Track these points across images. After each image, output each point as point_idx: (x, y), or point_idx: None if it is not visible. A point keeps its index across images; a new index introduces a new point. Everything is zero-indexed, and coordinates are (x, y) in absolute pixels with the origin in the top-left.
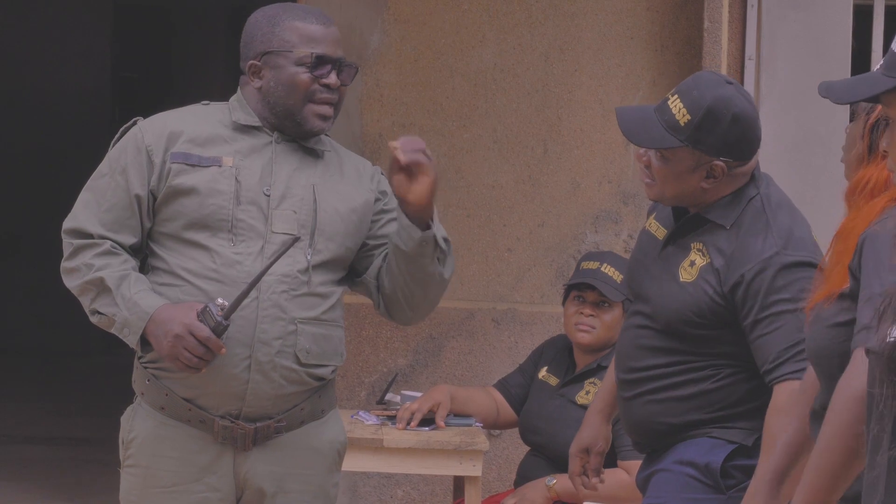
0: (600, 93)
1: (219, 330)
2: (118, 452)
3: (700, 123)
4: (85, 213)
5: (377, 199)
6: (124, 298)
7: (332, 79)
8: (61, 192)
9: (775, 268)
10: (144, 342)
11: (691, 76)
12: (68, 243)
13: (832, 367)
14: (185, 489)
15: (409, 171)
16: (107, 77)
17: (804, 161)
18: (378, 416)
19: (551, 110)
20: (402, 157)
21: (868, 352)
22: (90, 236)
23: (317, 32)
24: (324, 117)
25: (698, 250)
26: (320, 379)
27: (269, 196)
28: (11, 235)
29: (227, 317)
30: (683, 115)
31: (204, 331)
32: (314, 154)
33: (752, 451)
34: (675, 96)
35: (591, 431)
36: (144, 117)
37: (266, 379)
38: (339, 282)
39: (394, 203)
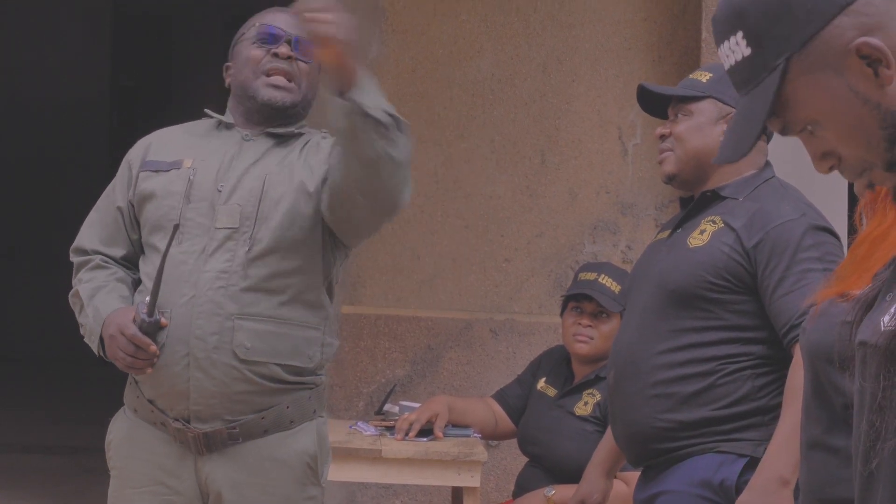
0: (598, 103)
1: (144, 327)
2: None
3: (722, 77)
4: (87, 231)
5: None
6: (93, 308)
7: (283, 49)
8: (60, 201)
9: (804, 227)
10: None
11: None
12: (73, 262)
13: (822, 363)
14: (152, 490)
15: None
16: (105, 86)
17: (802, 172)
18: (376, 426)
19: (549, 121)
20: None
21: (860, 344)
22: (86, 252)
23: (272, 16)
24: (276, 86)
25: (709, 221)
26: (274, 380)
27: (221, 192)
28: (9, 244)
29: (150, 314)
30: (705, 75)
31: (129, 328)
32: (289, 147)
33: None
34: (698, 71)
35: (588, 485)
36: (144, 127)
37: (206, 376)
38: (297, 274)
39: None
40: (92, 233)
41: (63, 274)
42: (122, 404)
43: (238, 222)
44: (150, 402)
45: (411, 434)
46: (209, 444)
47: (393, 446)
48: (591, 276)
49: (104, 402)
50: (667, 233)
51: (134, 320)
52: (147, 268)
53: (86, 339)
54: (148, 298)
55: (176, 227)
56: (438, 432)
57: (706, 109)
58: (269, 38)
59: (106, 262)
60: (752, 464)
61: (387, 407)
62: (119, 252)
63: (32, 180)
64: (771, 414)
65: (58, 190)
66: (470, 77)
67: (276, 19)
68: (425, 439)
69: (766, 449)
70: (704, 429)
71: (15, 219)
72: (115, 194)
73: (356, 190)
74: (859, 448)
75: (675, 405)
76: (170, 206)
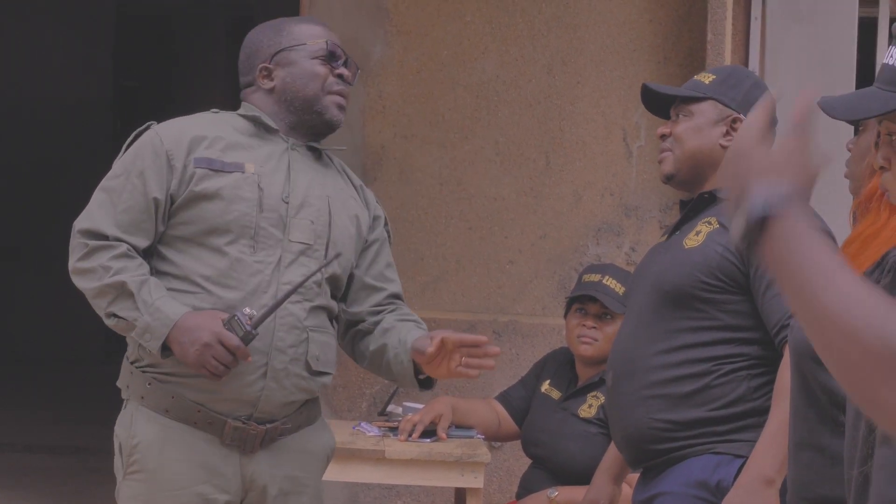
0: (603, 105)
1: (247, 339)
2: (112, 461)
3: (724, 80)
4: (100, 213)
5: (373, 222)
6: (146, 303)
7: (346, 71)
8: (62, 202)
9: None
10: (163, 347)
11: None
12: (82, 244)
13: (809, 361)
14: (193, 491)
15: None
16: (108, 87)
17: None
18: (380, 427)
19: (553, 122)
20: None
21: None
22: (105, 237)
23: (322, 32)
24: (341, 107)
25: (705, 222)
26: (322, 387)
27: (287, 203)
28: (12, 245)
29: (255, 326)
30: (708, 77)
31: (233, 340)
32: (324, 162)
33: None
34: (702, 73)
35: (595, 490)
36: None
37: (279, 386)
38: (336, 297)
39: (381, 233)
40: (106, 216)
41: (66, 274)
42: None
43: (312, 239)
44: (196, 402)
45: (414, 435)
46: (264, 441)
47: (396, 447)
48: (595, 277)
49: (106, 401)
50: (667, 236)
51: (227, 329)
52: (205, 270)
53: (131, 334)
54: (248, 310)
55: (338, 255)
56: (442, 433)
57: (707, 111)
58: (333, 57)
59: (131, 251)
60: None
61: (390, 408)
62: (143, 243)
63: (35, 181)
64: (767, 415)
65: (60, 190)
66: (474, 78)
67: (327, 35)
68: (428, 440)
69: None
70: (700, 429)
71: (17, 219)
72: (144, 183)
73: (370, 369)
74: (855, 452)
75: (671, 405)
76: (241, 212)
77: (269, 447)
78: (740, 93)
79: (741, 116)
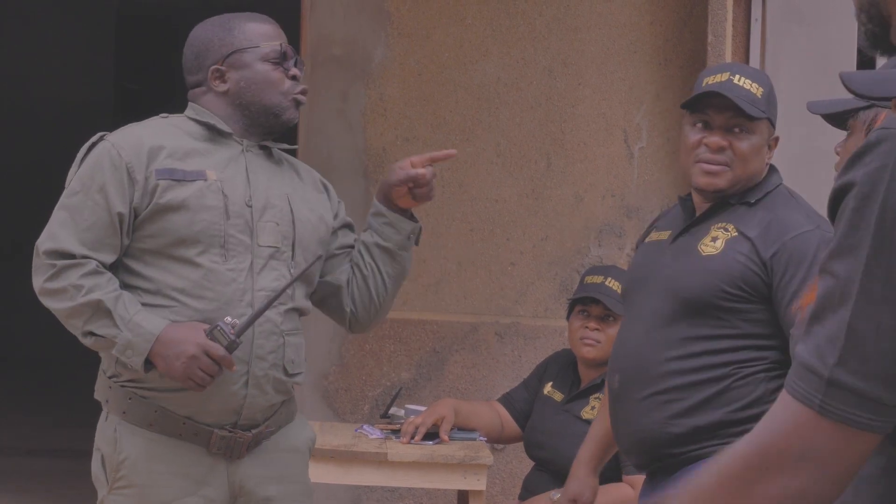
0: (604, 107)
1: (232, 348)
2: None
3: (769, 95)
4: (63, 232)
5: (336, 213)
6: (123, 319)
7: (298, 71)
8: None
9: (818, 239)
10: (146, 362)
11: (729, 64)
12: (49, 264)
13: None
14: (182, 503)
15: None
16: (109, 88)
17: (807, 176)
18: (382, 429)
19: (554, 124)
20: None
21: None
22: (72, 256)
23: (272, 31)
24: (298, 103)
25: (720, 228)
26: (294, 385)
27: (251, 207)
28: (14, 246)
29: (239, 335)
30: (757, 89)
31: (219, 350)
32: (277, 161)
33: None
34: (737, 75)
35: (577, 483)
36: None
37: (261, 392)
38: (308, 294)
39: (343, 213)
40: (70, 235)
41: None
42: None
43: (279, 242)
44: (183, 416)
45: (417, 437)
46: (250, 446)
47: (398, 450)
48: (597, 279)
49: None
50: (666, 234)
51: (211, 339)
52: (178, 282)
53: (112, 351)
54: (230, 319)
55: (319, 257)
56: (444, 436)
57: (763, 130)
58: (284, 59)
59: (100, 268)
60: None
61: (392, 410)
62: (110, 258)
63: (35, 182)
64: None
65: (61, 192)
66: (475, 80)
67: (276, 34)
68: (431, 443)
69: None
70: (718, 431)
71: (18, 220)
72: (106, 198)
73: (376, 299)
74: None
75: (691, 410)
76: (209, 222)
77: (254, 451)
78: (776, 109)
79: (777, 136)
